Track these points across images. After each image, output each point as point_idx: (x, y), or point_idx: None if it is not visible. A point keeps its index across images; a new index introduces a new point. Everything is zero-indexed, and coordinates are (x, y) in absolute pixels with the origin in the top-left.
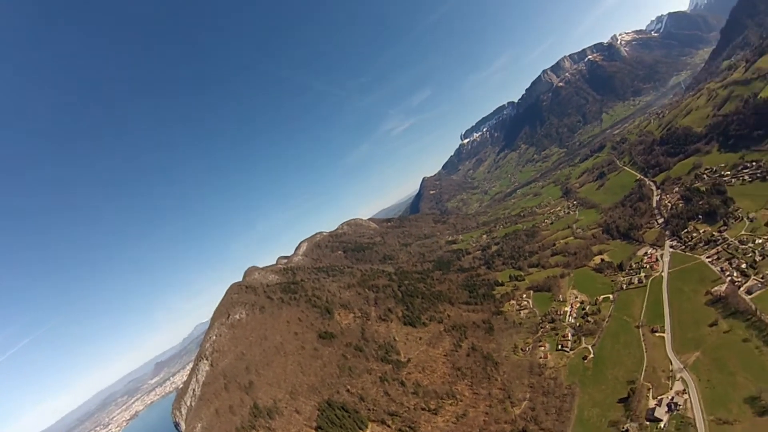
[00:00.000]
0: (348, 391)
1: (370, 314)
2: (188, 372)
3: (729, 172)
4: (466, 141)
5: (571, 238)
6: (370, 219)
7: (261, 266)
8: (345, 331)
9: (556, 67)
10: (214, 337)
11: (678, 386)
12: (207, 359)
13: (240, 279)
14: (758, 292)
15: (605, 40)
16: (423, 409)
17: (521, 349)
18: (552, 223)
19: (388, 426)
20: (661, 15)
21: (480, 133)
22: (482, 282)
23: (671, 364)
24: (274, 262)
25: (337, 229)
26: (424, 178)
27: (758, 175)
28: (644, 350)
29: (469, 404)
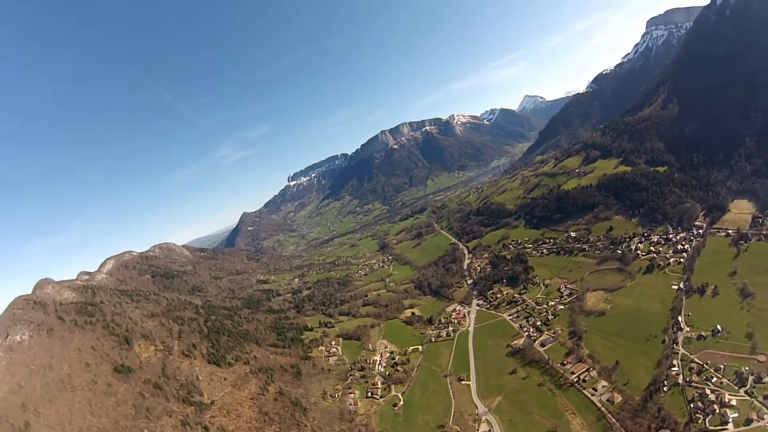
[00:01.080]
0: None
1: (173, 348)
2: None
3: (531, 245)
4: (292, 183)
5: (384, 290)
6: (184, 246)
7: (57, 280)
8: (144, 365)
9: (395, 131)
10: None
11: (484, 427)
12: None
13: (29, 292)
14: (550, 344)
15: (444, 116)
16: None
17: (330, 396)
18: (366, 275)
19: None
20: (495, 108)
21: (308, 178)
22: (291, 325)
23: (477, 408)
24: (75, 277)
25: (148, 250)
26: (244, 213)
27: (554, 249)
28: (452, 397)
29: None
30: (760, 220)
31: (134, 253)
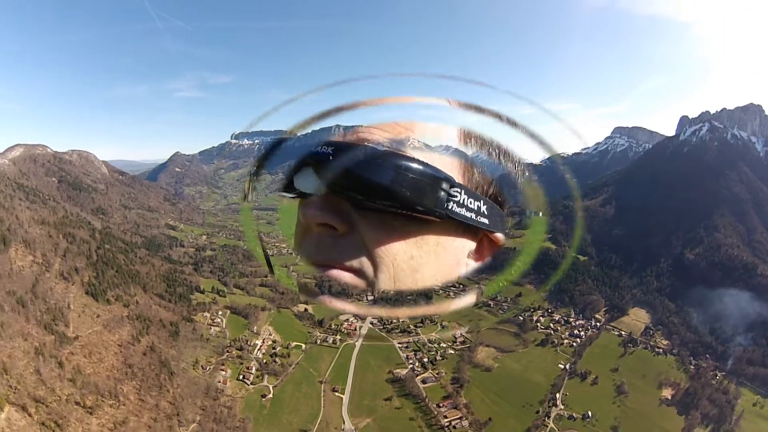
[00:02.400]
0: None
1: (52, 266)
2: None
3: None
4: (234, 141)
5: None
6: (105, 161)
7: None
8: (15, 274)
9: (349, 129)
10: None
11: None
12: None
13: None
14: (431, 384)
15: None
16: (77, 403)
17: (202, 367)
18: (273, 256)
19: (30, 415)
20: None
21: (251, 142)
22: (184, 281)
23: (344, 423)
24: None
25: (65, 152)
26: (177, 152)
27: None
28: (322, 405)
29: (133, 411)
30: (650, 331)
31: (49, 150)
